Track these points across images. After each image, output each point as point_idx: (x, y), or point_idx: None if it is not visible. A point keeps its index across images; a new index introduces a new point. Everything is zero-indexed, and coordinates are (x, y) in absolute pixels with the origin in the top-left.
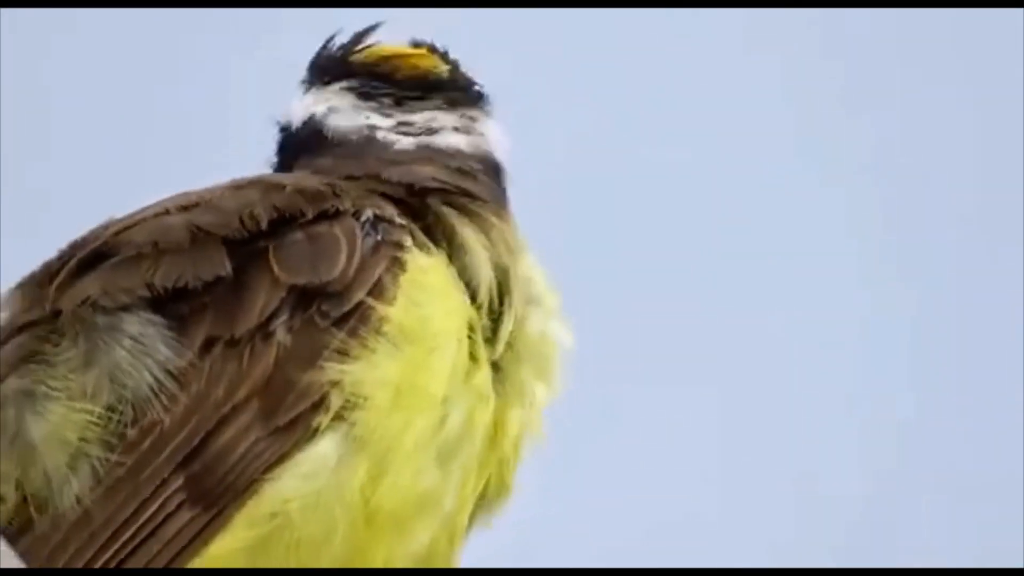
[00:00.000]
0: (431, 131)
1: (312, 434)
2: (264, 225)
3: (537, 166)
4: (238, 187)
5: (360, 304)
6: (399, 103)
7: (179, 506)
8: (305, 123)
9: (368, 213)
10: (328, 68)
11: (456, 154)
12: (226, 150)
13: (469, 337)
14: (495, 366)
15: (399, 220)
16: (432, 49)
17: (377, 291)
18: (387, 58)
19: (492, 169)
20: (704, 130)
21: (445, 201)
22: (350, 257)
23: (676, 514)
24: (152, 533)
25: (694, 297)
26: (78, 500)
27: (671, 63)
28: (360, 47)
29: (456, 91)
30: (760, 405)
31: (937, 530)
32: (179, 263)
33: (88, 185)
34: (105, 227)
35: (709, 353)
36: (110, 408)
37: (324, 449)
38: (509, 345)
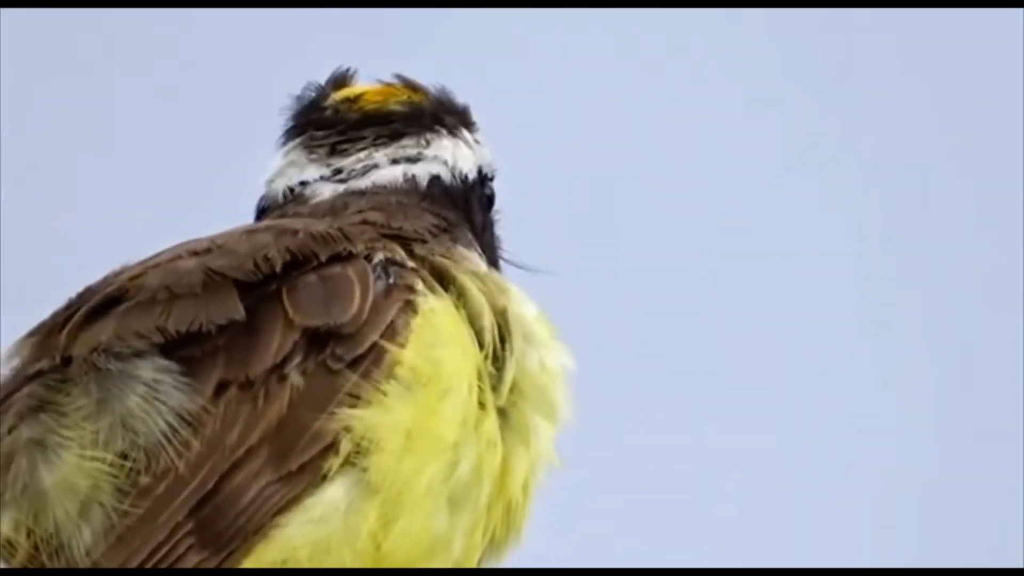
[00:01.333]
0: (361, 172)
1: (323, 479)
2: (278, 268)
3: (556, 159)
4: (251, 232)
5: (374, 346)
6: (333, 150)
7: (188, 549)
8: (263, 188)
9: (380, 256)
10: (289, 125)
11: (380, 191)
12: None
13: (478, 384)
14: (500, 411)
15: (410, 264)
16: (399, 82)
17: (390, 334)
18: (343, 101)
19: (440, 192)
20: (713, 133)
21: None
22: (363, 299)
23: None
24: None
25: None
26: (89, 548)
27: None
28: (328, 92)
29: (407, 121)
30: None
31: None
32: (192, 307)
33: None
34: (117, 273)
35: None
36: (123, 455)
37: (334, 494)
38: (513, 387)
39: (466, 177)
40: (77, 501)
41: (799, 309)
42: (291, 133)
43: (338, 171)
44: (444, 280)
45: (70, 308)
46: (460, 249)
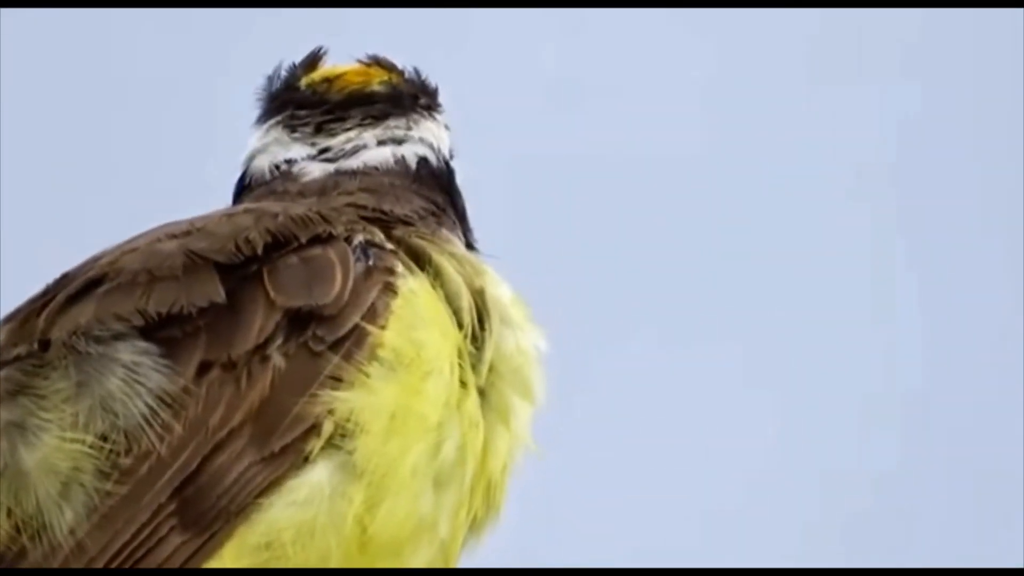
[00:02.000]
0: (351, 152)
1: (305, 460)
2: (259, 250)
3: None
4: (231, 215)
5: (355, 328)
6: (319, 129)
7: (170, 531)
8: (242, 166)
9: (359, 238)
10: (266, 104)
11: (371, 172)
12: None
13: (459, 364)
14: (480, 391)
15: (389, 245)
16: (374, 62)
17: (371, 315)
18: (322, 81)
19: (428, 175)
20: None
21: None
22: (344, 280)
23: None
24: (143, 558)
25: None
26: (72, 528)
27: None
28: (301, 74)
29: (390, 102)
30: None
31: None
32: (173, 289)
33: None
34: (96, 258)
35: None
36: (103, 437)
37: (319, 476)
38: (491, 367)
39: (447, 160)
40: (58, 482)
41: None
42: (269, 112)
43: (325, 150)
44: (420, 260)
45: (47, 294)
46: (444, 232)
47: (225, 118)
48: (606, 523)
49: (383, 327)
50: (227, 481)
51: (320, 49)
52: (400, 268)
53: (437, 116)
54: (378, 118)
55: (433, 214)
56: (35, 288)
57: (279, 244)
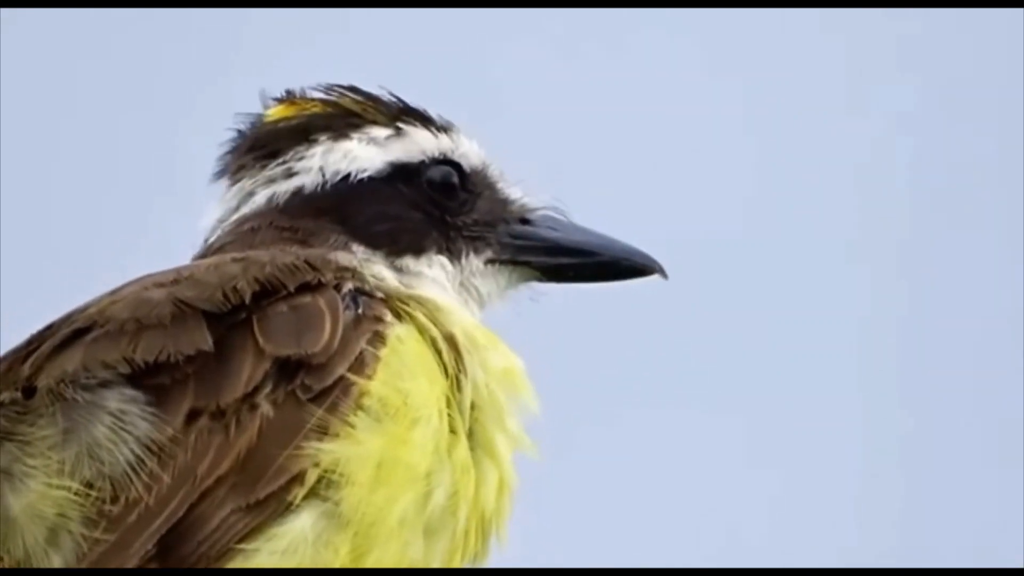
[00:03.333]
0: (239, 204)
1: (288, 509)
2: (247, 299)
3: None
4: (219, 264)
5: (342, 378)
6: (232, 181)
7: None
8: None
9: (348, 286)
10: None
11: (243, 220)
12: None
13: (448, 411)
14: (468, 432)
15: (378, 293)
16: (290, 97)
17: (358, 365)
18: (252, 126)
19: (302, 203)
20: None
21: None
22: (334, 329)
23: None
24: None
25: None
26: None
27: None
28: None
29: (284, 137)
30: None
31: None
32: (161, 338)
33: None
34: (83, 308)
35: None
36: (89, 484)
37: (302, 525)
38: (472, 405)
39: (348, 176)
40: (45, 528)
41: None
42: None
43: (224, 205)
44: (398, 311)
45: (31, 343)
46: (339, 258)
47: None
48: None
49: (370, 377)
50: (209, 527)
51: (287, 91)
52: (389, 317)
53: (360, 134)
54: (271, 156)
55: (299, 242)
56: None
57: (267, 292)
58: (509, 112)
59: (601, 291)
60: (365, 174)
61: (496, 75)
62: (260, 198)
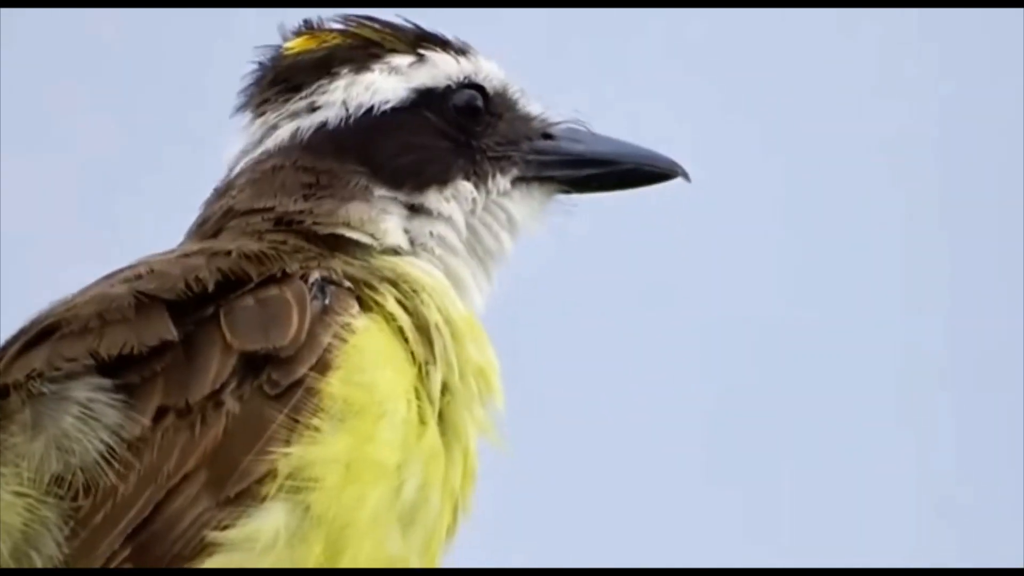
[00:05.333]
0: (262, 138)
1: (260, 506)
2: (210, 288)
3: None
4: (183, 255)
5: (306, 376)
6: (257, 113)
7: None
8: None
9: (316, 275)
10: (242, 98)
11: (264, 157)
12: None
13: (416, 400)
14: (440, 414)
15: (346, 283)
16: (309, 29)
17: (324, 361)
18: (274, 58)
19: (326, 140)
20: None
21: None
22: (301, 322)
23: None
24: None
25: None
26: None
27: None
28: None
29: (309, 70)
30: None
31: None
32: (124, 331)
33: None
34: (48, 311)
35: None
36: (58, 480)
37: (274, 523)
38: (444, 387)
39: (371, 109)
40: (15, 535)
41: None
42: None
43: (249, 139)
44: (366, 300)
45: (2, 350)
46: (351, 212)
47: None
48: None
49: (334, 375)
50: (182, 526)
51: (307, 21)
52: (355, 308)
53: (382, 64)
54: (296, 89)
55: (324, 188)
56: None
57: (232, 284)
58: None
59: (626, 201)
60: (388, 105)
61: None
62: (284, 132)
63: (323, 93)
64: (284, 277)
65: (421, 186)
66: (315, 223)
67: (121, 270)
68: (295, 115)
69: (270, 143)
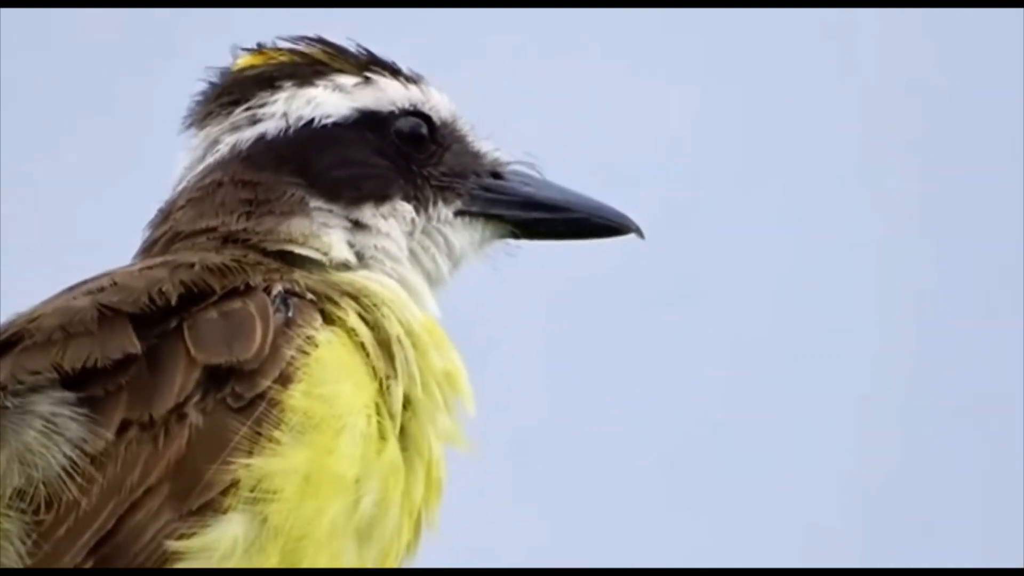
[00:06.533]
0: (204, 154)
1: (222, 518)
2: (173, 301)
3: None
4: (147, 267)
5: (267, 390)
6: (199, 129)
7: None
8: None
9: (279, 288)
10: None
11: (206, 172)
12: None
13: (376, 414)
14: (401, 428)
15: (309, 295)
16: (257, 49)
17: (286, 374)
18: (221, 75)
19: (264, 151)
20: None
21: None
22: (264, 335)
23: None
24: None
25: None
26: None
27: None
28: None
29: (249, 85)
30: None
31: None
32: (87, 344)
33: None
34: (11, 321)
35: None
36: (20, 493)
37: (234, 534)
38: (405, 401)
39: (311, 122)
40: None
41: None
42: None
43: (194, 155)
44: (328, 313)
45: None
46: (292, 228)
47: None
48: None
49: (295, 388)
50: (144, 539)
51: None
52: (318, 321)
53: (324, 81)
54: (234, 103)
55: (260, 203)
56: None
57: (195, 296)
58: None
59: (577, 248)
60: (329, 120)
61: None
62: (224, 147)
63: (264, 106)
64: (247, 290)
65: (357, 200)
66: (261, 241)
67: (84, 282)
68: (236, 128)
69: (211, 159)
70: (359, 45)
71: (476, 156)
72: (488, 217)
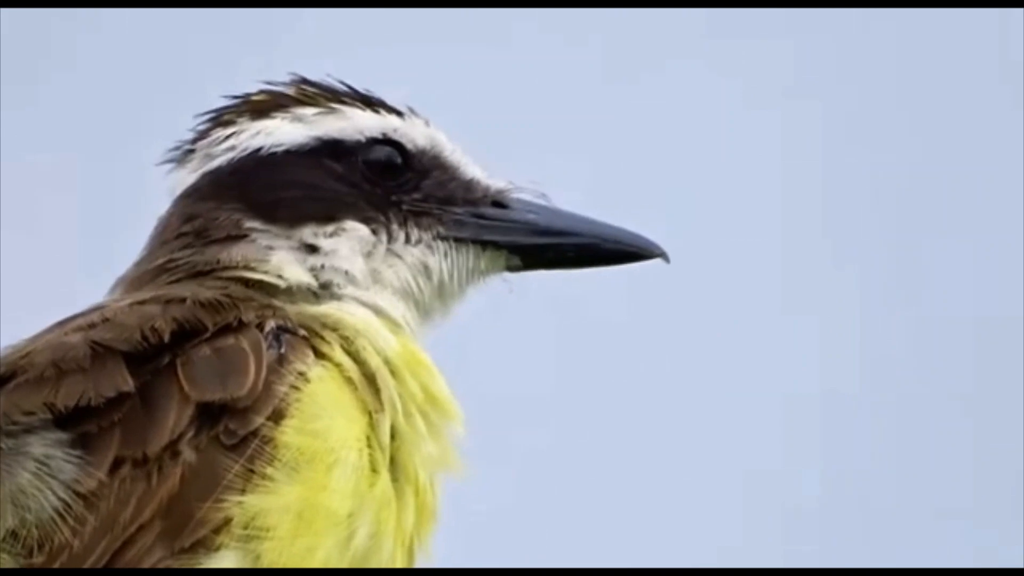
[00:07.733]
0: (171, 194)
1: (215, 554)
2: (166, 338)
3: None
4: (139, 302)
5: (261, 427)
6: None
7: None
8: None
9: (271, 324)
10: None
11: (166, 211)
12: None
13: (368, 448)
14: (392, 459)
15: (301, 331)
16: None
17: (278, 412)
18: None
19: (221, 175)
20: None
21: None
22: (258, 372)
23: None
24: None
25: None
26: None
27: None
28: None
29: (215, 123)
30: None
31: None
32: (81, 382)
33: None
34: (4, 357)
35: None
36: (13, 535)
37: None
38: (393, 432)
39: (259, 150)
40: None
41: None
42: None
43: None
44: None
45: None
46: (233, 254)
47: None
48: None
49: (288, 424)
50: None
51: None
52: (310, 357)
53: (282, 113)
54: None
55: (198, 235)
56: None
57: (187, 333)
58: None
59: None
60: (280, 148)
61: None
62: (179, 185)
63: (218, 143)
64: (240, 326)
65: (296, 221)
66: (212, 270)
67: (74, 317)
68: (193, 167)
69: (171, 197)
70: (341, 81)
71: (467, 184)
72: (482, 245)
